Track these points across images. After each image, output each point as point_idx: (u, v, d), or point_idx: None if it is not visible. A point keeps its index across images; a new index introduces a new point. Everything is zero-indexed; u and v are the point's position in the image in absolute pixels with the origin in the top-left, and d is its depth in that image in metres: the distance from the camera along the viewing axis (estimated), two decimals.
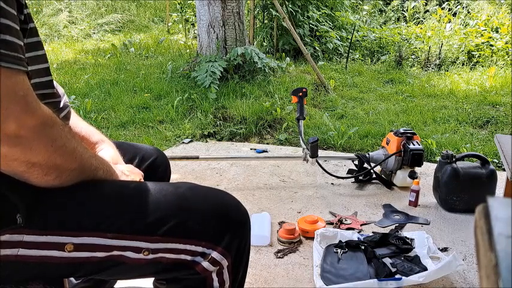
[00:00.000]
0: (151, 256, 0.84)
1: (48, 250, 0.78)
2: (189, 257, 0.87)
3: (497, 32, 6.28)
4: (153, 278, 1.13)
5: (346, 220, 2.13)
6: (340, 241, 1.86)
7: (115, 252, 0.82)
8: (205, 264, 0.88)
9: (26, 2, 0.80)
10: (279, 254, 1.85)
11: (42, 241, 0.78)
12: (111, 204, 0.85)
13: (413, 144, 2.39)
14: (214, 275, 0.90)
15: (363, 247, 1.80)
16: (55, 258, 0.79)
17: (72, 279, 1.31)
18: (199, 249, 0.87)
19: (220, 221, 0.90)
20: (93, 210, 0.83)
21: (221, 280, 0.91)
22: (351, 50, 5.91)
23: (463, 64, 5.67)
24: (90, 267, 0.84)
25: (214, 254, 0.88)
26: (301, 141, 2.56)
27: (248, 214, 0.96)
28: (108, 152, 1.12)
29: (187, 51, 5.70)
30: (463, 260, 1.79)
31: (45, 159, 0.74)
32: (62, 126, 0.78)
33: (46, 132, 0.74)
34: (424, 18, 7.45)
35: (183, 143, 3.25)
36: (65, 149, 0.78)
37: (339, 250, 1.80)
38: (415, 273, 1.61)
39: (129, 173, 1.03)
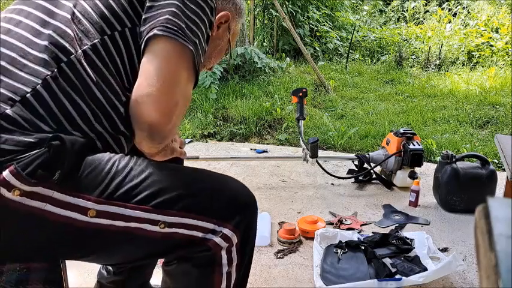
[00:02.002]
0: (166, 230, 0.89)
1: (72, 211, 0.83)
2: (200, 234, 0.91)
3: (497, 32, 6.28)
4: (161, 265, 1.14)
5: (346, 220, 2.13)
6: (340, 241, 1.86)
7: (132, 224, 0.87)
8: (217, 239, 0.92)
9: None
10: (279, 254, 1.85)
11: (68, 202, 0.83)
12: (134, 179, 0.90)
13: (413, 145, 2.39)
14: (223, 253, 0.94)
15: (363, 247, 1.80)
16: (77, 221, 0.84)
17: (103, 272, 1.34)
18: (211, 226, 0.92)
19: (231, 201, 0.96)
20: (121, 182, 0.88)
21: (229, 258, 0.95)
22: (351, 50, 5.91)
23: (463, 64, 5.67)
24: (106, 239, 0.88)
25: (226, 231, 0.92)
26: (301, 142, 2.56)
27: (255, 198, 1.01)
28: None
29: None
30: (463, 260, 1.80)
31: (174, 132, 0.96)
32: None
33: (180, 121, 0.97)
34: (424, 19, 7.45)
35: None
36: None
37: (339, 250, 1.80)
38: (415, 273, 1.61)
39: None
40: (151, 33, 0.89)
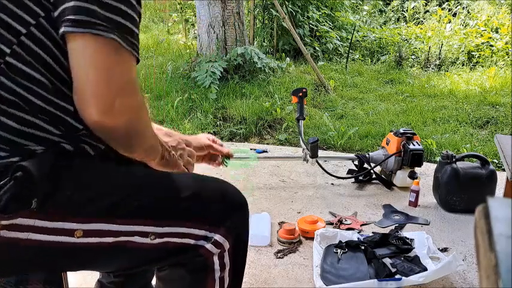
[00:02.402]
0: (157, 241, 0.87)
1: (57, 236, 0.81)
2: (192, 241, 0.90)
3: (497, 32, 6.27)
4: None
5: (346, 220, 2.13)
6: (340, 241, 1.86)
7: (122, 238, 0.85)
8: (209, 246, 0.91)
9: None
10: (279, 254, 1.85)
11: (52, 227, 0.80)
12: (122, 190, 0.87)
13: (413, 145, 2.39)
14: (215, 258, 0.93)
15: (362, 247, 1.80)
16: (64, 243, 0.81)
17: (102, 280, 1.34)
18: (202, 232, 0.90)
19: (222, 205, 0.94)
20: (104, 198, 0.85)
21: (222, 263, 0.94)
22: (351, 50, 5.90)
23: (463, 64, 5.67)
24: (97, 254, 0.86)
25: (217, 237, 0.91)
26: (301, 142, 2.56)
27: (247, 201, 1.00)
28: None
29: (187, 51, 5.70)
30: (463, 260, 1.79)
31: (142, 142, 0.89)
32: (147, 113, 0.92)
33: (141, 112, 0.88)
34: (424, 19, 7.44)
35: None
36: (150, 130, 0.92)
37: (338, 250, 1.80)
38: (415, 273, 1.61)
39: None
40: (61, 31, 0.78)
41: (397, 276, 1.59)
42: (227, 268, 0.95)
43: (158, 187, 0.91)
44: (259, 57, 4.43)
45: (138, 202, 0.87)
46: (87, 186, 0.84)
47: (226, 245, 0.93)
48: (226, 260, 0.94)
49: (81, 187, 0.84)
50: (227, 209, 0.95)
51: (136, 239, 0.86)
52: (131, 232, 0.85)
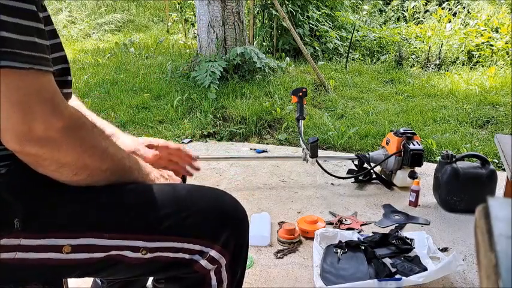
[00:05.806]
0: (149, 255, 0.85)
1: (45, 252, 0.78)
2: (187, 256, 0.87)
3: (497, 32, 6.27)
4: (152, 278, 1.13)
5: (346, 220, 2.13)
6: (340, 241, 1.86)
7: (113, 252, 0.82)
8: (204, 262, 0.88)
9: None
10: (278, 254, 1.85)
11: (39, 244, 0.78)
12: (108, 204, 0.85)
13: (414, 144, 2.39)
14: (212, 274, 0.90)
15: (363, 247, 1.80)
16: (53, 260, 0.79)
17: (98, 281, 1.33)
18: (197, 247, 0.87)
19: (218, 220, 0.90)
20: (90, 212, 0.83)
21: (219, 279, 0.91)
22: (350, 50, 5.90)
23: (463, 64, 5.67)
24: (88, 268, 0.84)
25: (213, 253, 0.88)
26: (301, 141, 2.56)
27: (246, 213, 0.96)
28: (127, 139, 1.13)
29: (187, 51, 5.70)
30: (463, 260, 1.79)
31: (74, 159, 0.77)
32: (91, 128, 0.80)
33: (74, 133, 0.76)
34: (424, 18, 7.45)
35: (183, 143, 3.25)
36: (95, 150, 0.80)
37: (338, 250, 1.80)
38: (415, 273, 1.61)
39: (168, 177, 1.02)
40: None
41: (397, 276, 1.59)
42: (225, 283, 0.92)
43: (148, 200, 0.87)
44: (258, 57, 4.42)
45: (128, 216, 0.84)
46: (72, 201, 0.81)
47: (223, 261, 0.89)
48: (224, 275, 0.91)
49: (66, 202, 0.81)
50: (224, 223, 0.90)
51: (127, 253, 0.83)
52: (121, 247, 0.82)
